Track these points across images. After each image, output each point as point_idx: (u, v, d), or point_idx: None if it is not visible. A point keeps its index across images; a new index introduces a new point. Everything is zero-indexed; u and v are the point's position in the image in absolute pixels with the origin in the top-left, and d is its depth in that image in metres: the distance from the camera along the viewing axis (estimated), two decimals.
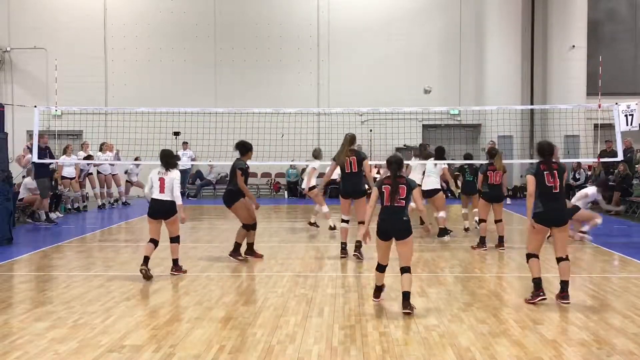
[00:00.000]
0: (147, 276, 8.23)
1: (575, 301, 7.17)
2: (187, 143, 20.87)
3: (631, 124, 13.03)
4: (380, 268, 6.95)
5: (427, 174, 12.02)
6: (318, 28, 22.65)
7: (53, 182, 15.64)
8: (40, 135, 13.99)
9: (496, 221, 10.62)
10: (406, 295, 6.59)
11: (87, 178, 18.04)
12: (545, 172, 6.96)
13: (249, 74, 22.47)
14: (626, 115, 13.11)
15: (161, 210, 8.48)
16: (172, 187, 8.42)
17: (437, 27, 22.64)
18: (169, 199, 8.44)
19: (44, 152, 14.48)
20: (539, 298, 6.96)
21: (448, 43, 22.59)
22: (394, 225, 6.70)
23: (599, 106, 13.60)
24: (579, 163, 19.17)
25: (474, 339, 5.77)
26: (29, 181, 14.82)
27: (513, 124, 18.77)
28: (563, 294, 6.95)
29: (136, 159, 17.54)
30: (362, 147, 18.19)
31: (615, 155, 14.71)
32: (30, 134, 18.20)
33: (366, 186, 9.82)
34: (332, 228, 12.50)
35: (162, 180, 8.46)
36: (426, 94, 21.67)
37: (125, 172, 19.32)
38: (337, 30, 22.58)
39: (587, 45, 21.29)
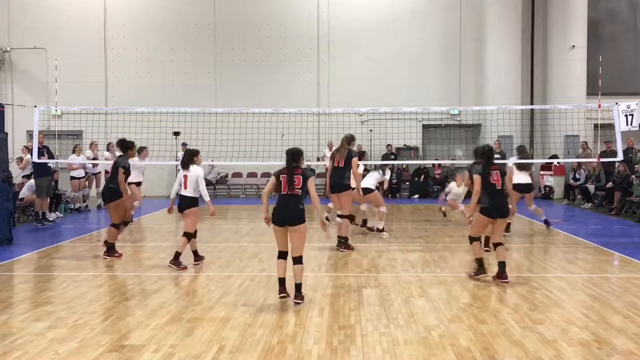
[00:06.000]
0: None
1: (575, 301, 7.20)
2: (185, 144, 20.84)
3: (631, 124, 13.03)
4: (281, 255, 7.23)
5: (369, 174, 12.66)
6: (318, 28, 22.64)
7: (53, 182, 15.62)
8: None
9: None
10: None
11: (95, 177, 18.05)
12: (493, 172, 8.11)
13: (249, 74, 22.45)
14: (626, 115, 13.11)
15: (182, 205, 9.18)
16: (194, 184, 9.10)
17: (437, 27, 22.61)
18: (190, 194, 9.11)
19: (42, 151, 14.43)
20: (483, 275, 8.21)
21: (448, 43, 22.55)
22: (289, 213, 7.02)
23: (599, 106, 13.60)
24: (579, 163, 19.16)
25: (474, 339, 5.77)
26: (33, 181, 14.78)
27: (513, 124, 18.77)
28: (503, 274, 8.04)
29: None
30: (363, 147, 18.18)
31: (615, 155, 14.70)
32: (30, 134, 18.20)
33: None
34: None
35: (185, 177, 9.14)
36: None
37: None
38: (337, 30, 22.56)
39: (587, 45, 21.25)
